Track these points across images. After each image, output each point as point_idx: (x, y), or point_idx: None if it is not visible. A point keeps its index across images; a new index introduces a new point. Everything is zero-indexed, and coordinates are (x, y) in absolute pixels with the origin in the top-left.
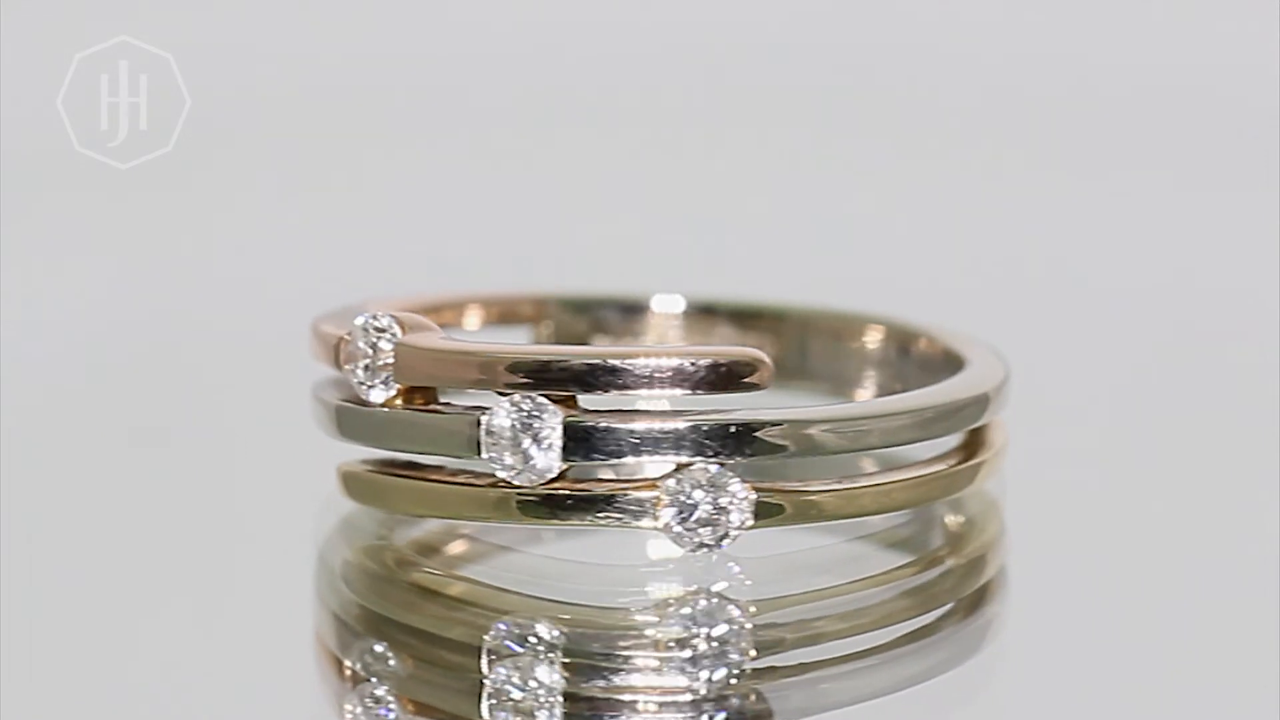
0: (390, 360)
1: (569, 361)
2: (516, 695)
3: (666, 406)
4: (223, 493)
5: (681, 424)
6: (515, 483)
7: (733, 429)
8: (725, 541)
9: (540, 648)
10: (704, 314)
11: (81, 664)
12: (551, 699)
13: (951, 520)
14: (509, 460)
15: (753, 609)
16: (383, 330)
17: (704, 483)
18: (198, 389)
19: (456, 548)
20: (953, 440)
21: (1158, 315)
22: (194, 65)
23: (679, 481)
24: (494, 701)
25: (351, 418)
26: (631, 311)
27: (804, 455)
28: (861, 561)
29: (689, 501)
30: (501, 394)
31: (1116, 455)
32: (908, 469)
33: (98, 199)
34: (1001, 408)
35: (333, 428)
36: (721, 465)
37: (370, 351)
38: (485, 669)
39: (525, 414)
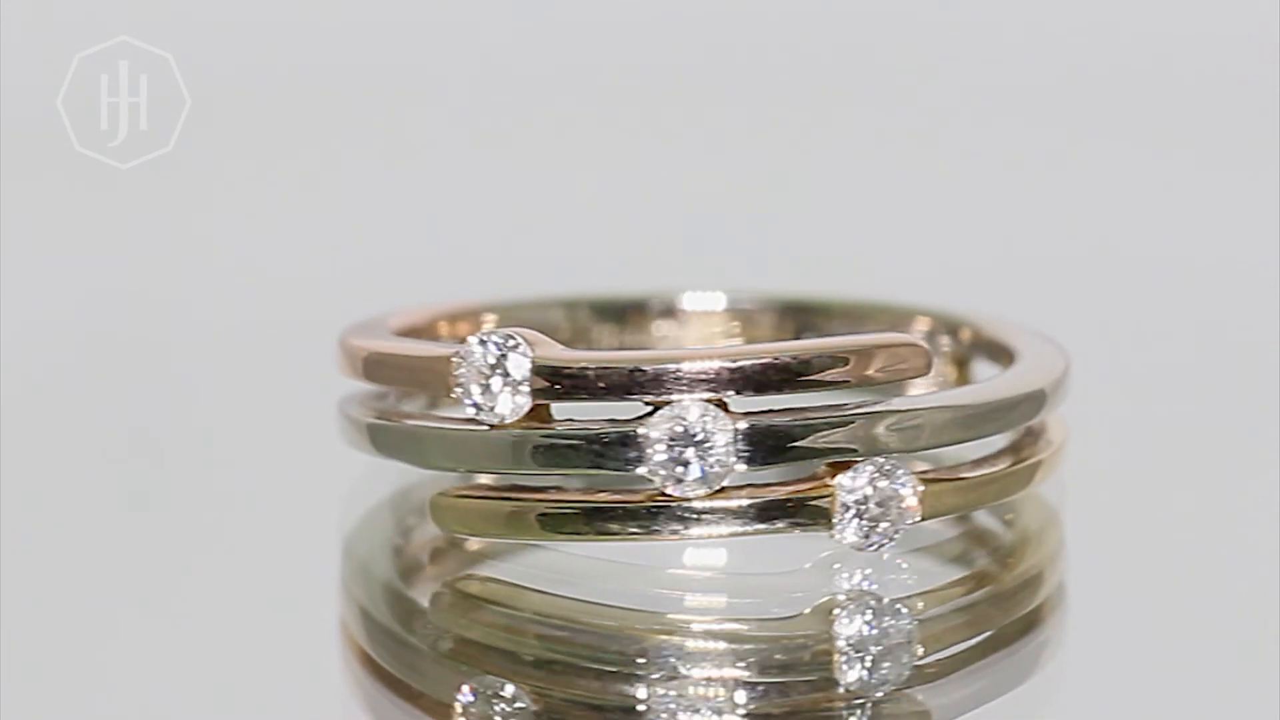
0: (525, 377)
1: (747, 363)
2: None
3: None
4: (240, 503)
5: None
6: (678, 494)
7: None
8: (896, 537)
9: (706, 667)
10: (746, 310)
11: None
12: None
13: (1005, 531)
14: (671, 470)
15: (920, 605)
16: (513, 346)
17: (877, 476)
18: (198, 390)
19: (474, 544)
20: (1004, 439)
21: (1230, 302)
22: (194, 65)
23: (852, 478)
24: None
25: (470, 443)
26: (666, 311)
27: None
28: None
29: (863, 500)
30: (652, 403)
31: (1190, 457)
32: (956, 470)
33: (98, 199)
34: (1060, 402)
35: (442, 455)
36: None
37: (488, 370)
38: (644, 695)
39: (691, 420)
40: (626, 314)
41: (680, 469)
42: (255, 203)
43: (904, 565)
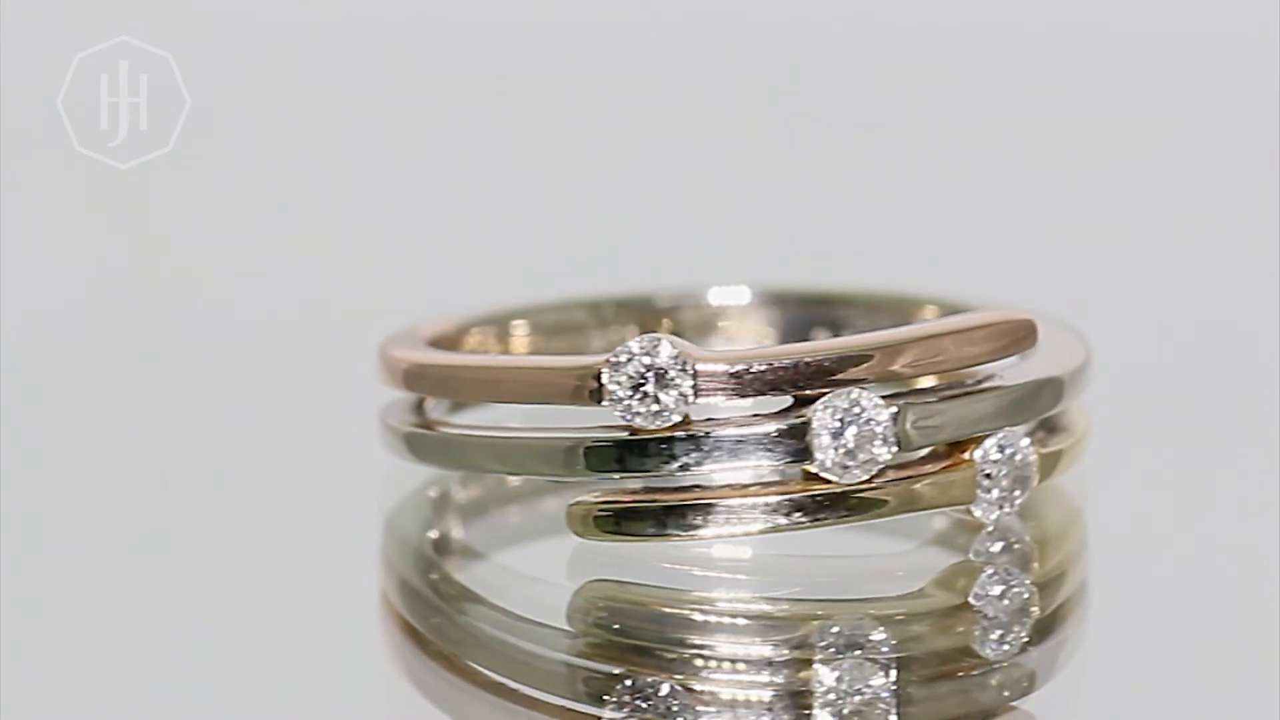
0: (686, 379)
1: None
2: (854, 703)
3: None
4: (271, 497)
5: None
6: (841, 481)
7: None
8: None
9: (867, 650)
10: (772, 302)
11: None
12: (887, 702)
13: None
14: (840, 458)
15: (1035, 565)
16: (670, 349)
17: (1007, 447)
18: (200, 387)
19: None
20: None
21: (1247, 293)
22: (194, 65)
23: (988, 452)
24: (830, 712)
25: (629, 450)
26: (694, 306)
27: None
28: (918, 572)
29: (999, 473)
30: (800, 397)
31: (1213, 454)
32: (902, 469)
33: (98, 199)
34: (1082, 390)
35: (602, 462)
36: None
37: (642, 373)
38: (817, 680)
39: (859, 407)
40: (654, 311)
41: (847, 457)
42: (256, 203)
43: (1021, 534)
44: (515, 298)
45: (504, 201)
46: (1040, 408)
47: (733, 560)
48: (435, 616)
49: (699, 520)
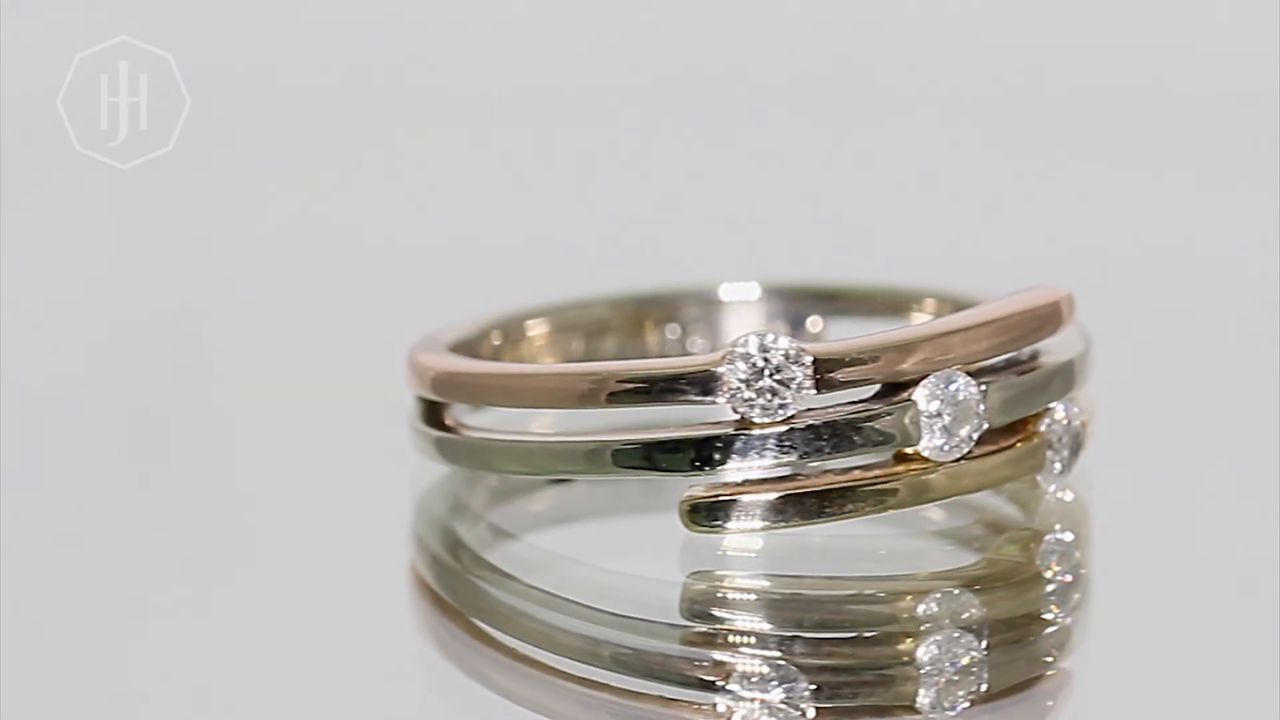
0: (808, 376)
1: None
2: (952, 672)
3: None
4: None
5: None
6: (937, 461)
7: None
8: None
9: (960, 620)
10: (781, 297)
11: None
12: (980, 668)
13: (1027, 519)
14: (942, 441)
15: (1076, 535)
16: (790, 343)
17: (1067, 414)
18: (204, 385)
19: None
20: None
21: (1246, 292)
22: (194, 65)
23: (1054, 423)
24: (933, 683)
25: (744, 443)
26: (708, 302)
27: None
28: (919, 557)
29: (1063, 436)
30: (909, 380)
31: (1215, 452)
32: (978, 445)
33: (98, 199)
34: (1084, 382)
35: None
36: None
37: (761, 367)
38: (917, 652)
39: (947, 390)
40: (670, 307)
41: (948, 436)
42: (256, 204)
43: (1067, 495)
44: (527, 298)
45: (512, 203)
46: (1078, 381)
47: (791, 547)
48: (465, 591)
49: (811, 506)
